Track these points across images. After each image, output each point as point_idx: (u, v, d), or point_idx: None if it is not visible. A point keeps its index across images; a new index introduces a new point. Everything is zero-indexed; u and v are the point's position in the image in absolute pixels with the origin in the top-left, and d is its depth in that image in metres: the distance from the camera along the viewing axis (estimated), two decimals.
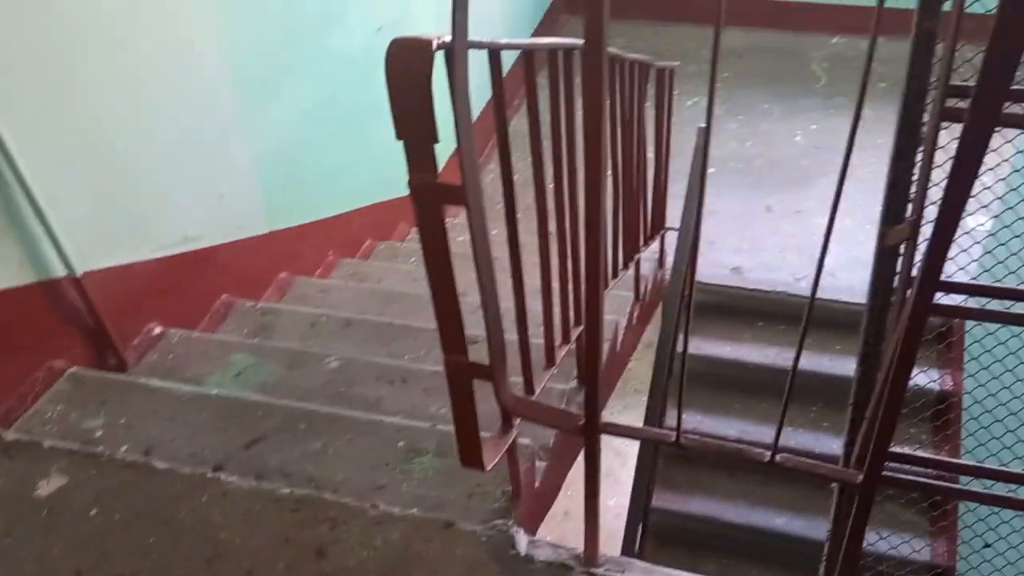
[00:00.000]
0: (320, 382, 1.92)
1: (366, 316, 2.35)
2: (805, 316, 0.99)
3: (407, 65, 0.92)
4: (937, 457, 1.47)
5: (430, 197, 1.02)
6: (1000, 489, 1.81)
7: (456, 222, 1.18)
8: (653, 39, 5.32)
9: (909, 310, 0.82)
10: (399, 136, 0.98)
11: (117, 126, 1.89)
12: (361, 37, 2.95)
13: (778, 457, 1.02)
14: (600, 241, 0.99)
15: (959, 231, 0.86)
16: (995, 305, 1.90)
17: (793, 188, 3.98)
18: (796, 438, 3.17)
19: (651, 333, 3.09)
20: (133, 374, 1.94)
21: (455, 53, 0.96)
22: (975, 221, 3.61)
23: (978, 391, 2.80)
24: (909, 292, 1.18)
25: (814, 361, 3.31)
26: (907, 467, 1.19)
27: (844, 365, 3.25)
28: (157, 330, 2.09)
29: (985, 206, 2.41)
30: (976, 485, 1.39)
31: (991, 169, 3.06)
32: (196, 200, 2.23)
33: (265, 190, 2.50)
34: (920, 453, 1.47)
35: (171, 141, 2.08)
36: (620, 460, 4.48)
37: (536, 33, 5.14)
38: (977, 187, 1.33)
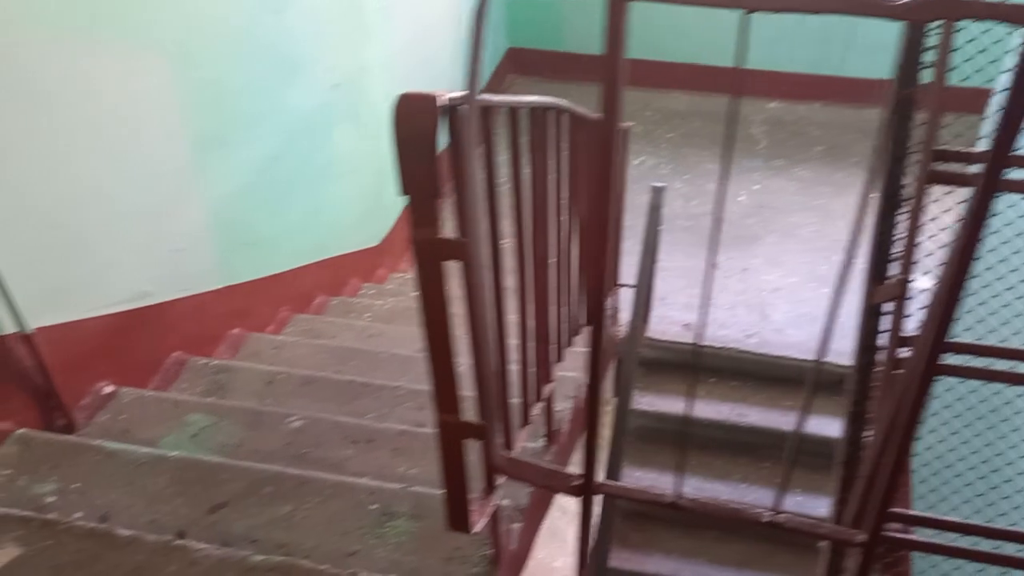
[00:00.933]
0: (282, 443, 1.86)
1: (325, 373, 2.29)
2: (811, 379, 0.99)
3: (413, 122, 0.91)
4: (946, 519, 1.47)
5: (433, 253, 1.00)
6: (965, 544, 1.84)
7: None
8: (596, 99, 5.43)
9: (919, 371, 0.83)
10: (404, 192, 0.97)
11: (66, 182, 1.83)
12: (318, 93, 2.94)
13: (780, 517, 1.01)
14: (602, 300, 0.99)
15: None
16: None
17: (739, 246, 4.07)
18: (752, 494, 3.19)
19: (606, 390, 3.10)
20: (84, 435, 1.84)
21: (462, 110, 0.96)
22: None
23: (929, 437, 2.85)
24: (902, 350, 1.21)
25: (765, 417, 3.35)
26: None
27: (792, 421, 3.30)
28: (108, 389, 2.00)
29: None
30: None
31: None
32: (150, 255, 2.16)
33: (219, 245, 2.45)
34: (921, 514, 1.47)
35: (124, 196, 2.02)
36: (566, 518, 4.43)
37: (487, 90, 5.19)
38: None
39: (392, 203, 3.78)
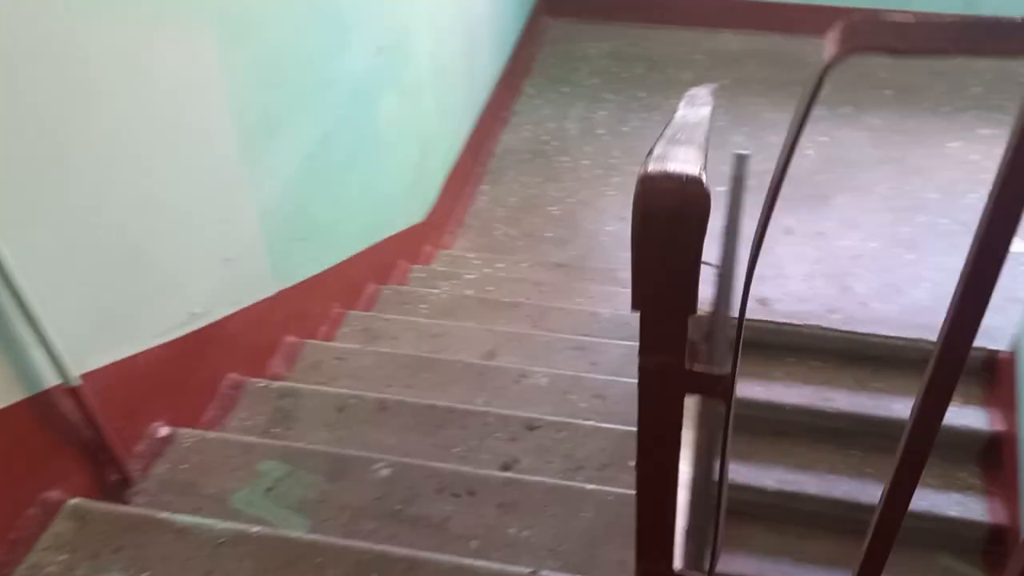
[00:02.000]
0: (371, 497, 1.62)
1: (401, 396, 2.04)
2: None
3: (673, 218, 0.64)
4: None
5: (672, 387, 0.73)
6: None
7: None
8: (644, 43, 5.06)
9: None
10: (637, 306, 0.69)
11: (114, 204, 1.55)
12: (365, 58, 2.62)
13: None
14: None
15: None
16: None
17: (811, 207, 3.77)
18: (840, 487, 2.97)
19: None
20: (144, 494, 1.61)
21: None
22: None
23: None
24: None
25: (852, 401, 3.10)
26: None
27: (884, 405, 3.06)
28: (163, 431, 1.76)
29: None
30: None
31: None
32: (201, 270, 1.89)
33: (271, 247, 2.17)
34: None
35: (172, 208, 1.74)
36: None
37: (524, 38, 4.83)
38: None
39: (434, 173, 3.49)
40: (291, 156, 2.23)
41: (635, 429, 1.83)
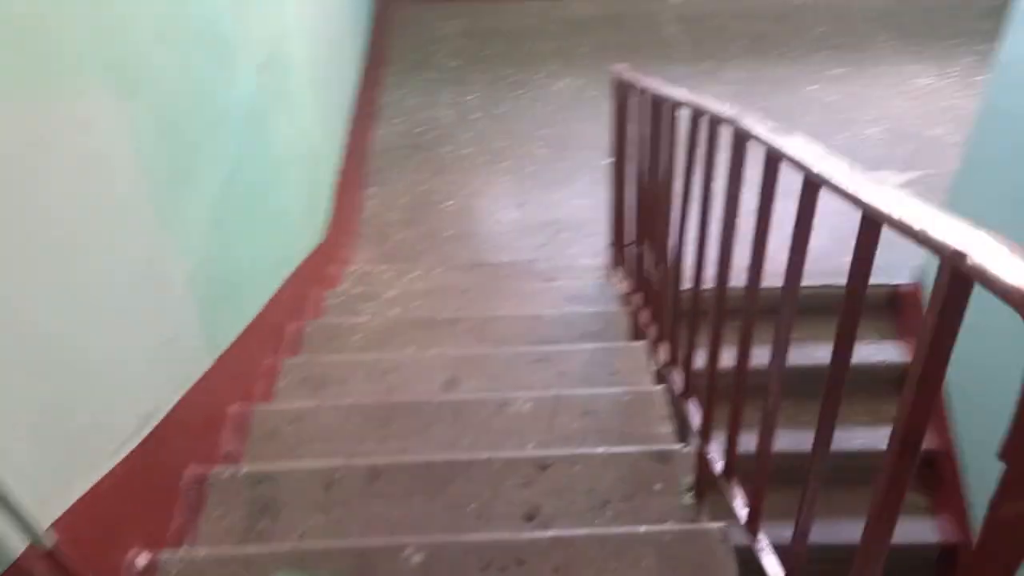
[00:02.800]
0: None
1: (387, 458, 1.86)
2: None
3: None
4: None
5: None
6: None
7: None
8: (496, 17, 4.92)
9: None
10: (1006, 457, 0.58)
11: (32, 306, 1.28)
12: (249, 81, 2.35)
13: None
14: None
15: None
16: None
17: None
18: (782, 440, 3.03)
19: None
20: None
21: None
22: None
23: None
24: None
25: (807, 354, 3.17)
26: None
27: (808, 353, 3.15)
28: (142, 559, 1.50)
29: None
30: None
31: None
32: (142, 361, 1.62)
33: (203, 313, 1.90)
34: None
35: (98, 297, 1.46)
36: None
37: (373, 24, 4.57)
38: None
39: (325, 186, 3.23)
40: (204, 205, 1.96)
41: (646, 447, 1.71)
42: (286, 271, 2.64)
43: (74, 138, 1.39)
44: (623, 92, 2.70)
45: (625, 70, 2.69)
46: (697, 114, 1.72)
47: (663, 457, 1.79)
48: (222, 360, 2.00)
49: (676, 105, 2.06)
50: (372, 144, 3.99)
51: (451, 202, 3.70)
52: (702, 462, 1.72)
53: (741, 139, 1.45)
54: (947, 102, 4.09)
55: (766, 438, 1.42)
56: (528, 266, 3.22)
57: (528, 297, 2.88)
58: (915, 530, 2.80)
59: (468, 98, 4.30)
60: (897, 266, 3.21)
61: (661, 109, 2.22)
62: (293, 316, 2.68)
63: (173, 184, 1.76)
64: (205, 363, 1.91)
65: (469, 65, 4.53)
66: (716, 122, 1.60)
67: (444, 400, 2.10)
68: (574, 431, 2.00)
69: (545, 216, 3.60)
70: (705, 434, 1.75)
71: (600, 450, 1.82)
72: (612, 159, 2.85)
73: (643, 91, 2.48)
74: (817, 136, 3.80)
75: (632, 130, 2.67)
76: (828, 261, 2.98)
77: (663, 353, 2.16)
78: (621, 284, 2.83)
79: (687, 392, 1.95)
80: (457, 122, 4.14)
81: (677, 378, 2.02)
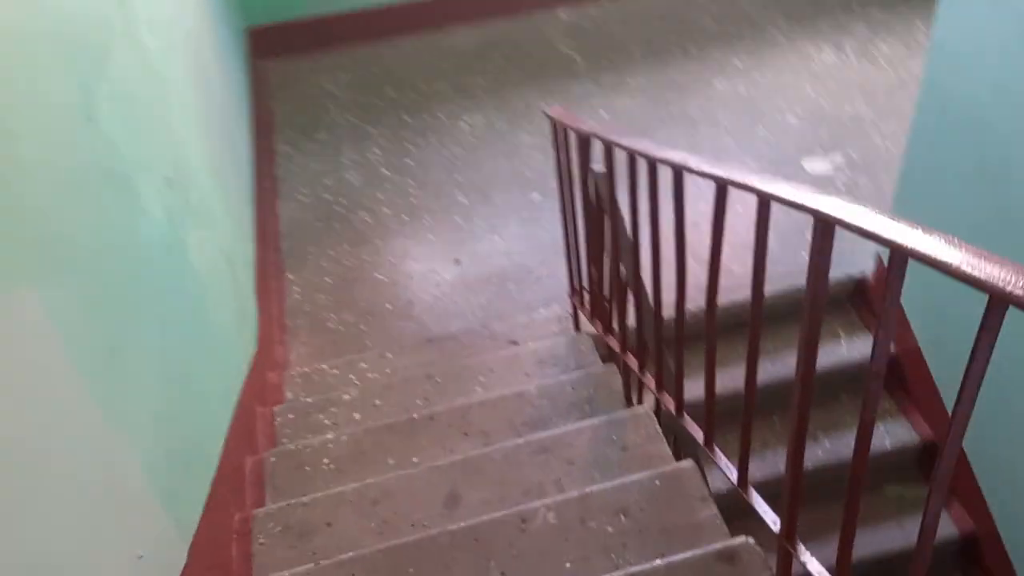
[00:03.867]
0: None
1: None
2: None
3: None
4: None
5: None
6: None
7: None
8: (379, 63, 4.65)
9: None
10: None
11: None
12: (159, 205, 2.03)
13: None
14: None
15: None
16: None
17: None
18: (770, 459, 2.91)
19: None
20: None
21: None
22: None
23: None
24: None
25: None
26: None
27: (783, 360, 3.04)
28: None
29: None
30: None
31: None
32: None
33: (168, 503, 1.59)
34: None
35: (67, 539, 1.16)
36: None
37: (250, 89, 4.24)
38: None
39: (246, 286, 2.91)
40: (145, 374, 1.65)
41: (707, 548, 1.56)
42: (234, 399, 2.32)
43: (8, 347, 1.08)
44: (561, 135, 2.50)
45: (559, 112, 2.49)
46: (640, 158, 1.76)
47: (729, 557, 1.59)
48: (194, 545, 1.69)
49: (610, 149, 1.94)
50: (281, 224, 3.67)
51: (380, 272, 3.42)
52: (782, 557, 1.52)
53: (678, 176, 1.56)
54: (851, 77, 4.08)
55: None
56: (485, 332, 2.98)
57: (499, 371, 2.64)
58: (894, 434, 2.98)
59: (371, 154, 4.02)
60: (858, 254, 3.14)
61: (590, 151, 2.13)
62: (247, 448, 2.36)
63: (111, 368, 1.46)
64: (181, 558, 1.60)
65: (364, 118, 4.25)
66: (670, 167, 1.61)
67: (456, 528, 1.84)
68: (612, 536, 1.78)
69: (485, 269, 3.37)
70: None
71: (659, 562, 1.60)
72: (562, 207, 2.65)
73: (577, 134, 2.30)
74: (740, 133, 3.75)
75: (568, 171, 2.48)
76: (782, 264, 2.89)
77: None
78: (601, 334, 2.63)
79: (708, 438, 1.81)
80: (366, 183, 3.86)
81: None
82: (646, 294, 2.18)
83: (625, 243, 2.24)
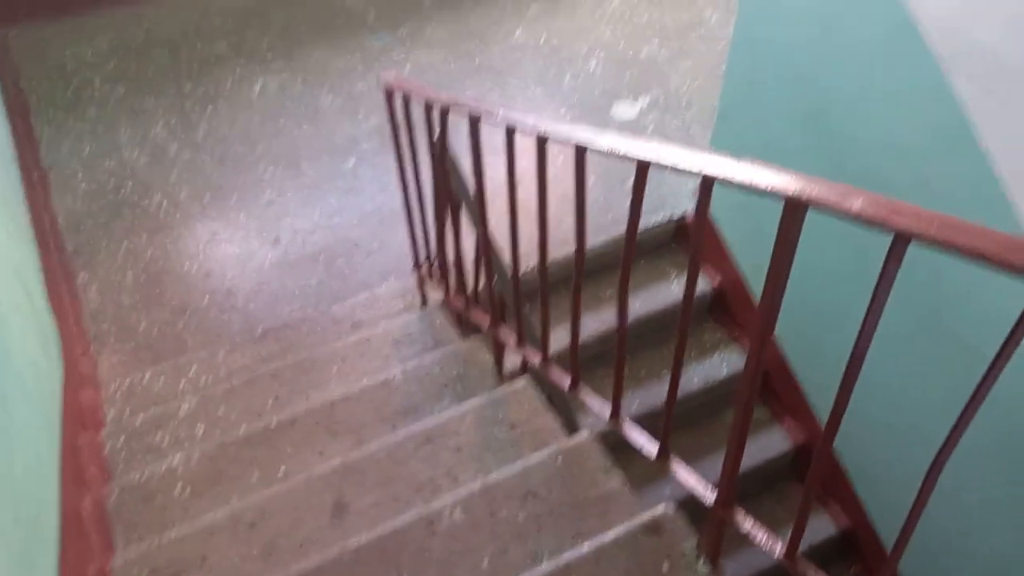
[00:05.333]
0: None
1: None
2: None
3: None
4: None
5: None
6: None
7: None
8: (143, 25, 4.14)
9: None
10: None
11: None
12: None
13: None
14: None
15: None
16: None
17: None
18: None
19: None
20: None
21: None
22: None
23: None
24: None
25: (600, 319, 3.08)
26: None
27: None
28: None
29: None
30: None
31: None
32: None
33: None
34: None
35: None
36: None
37: None
38: None
39: (39, 298, 2.50)
40: None
41: (631, 524, 1.56)
42: (56, 434, 2.00)
43: None
44: (397, 101, 2.33)
45: (394, 77, 2.31)
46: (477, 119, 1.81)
47: (655, 529, 1.58)
48: None
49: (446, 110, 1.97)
50: (61, 219, 3.20)
51: (190, 261, 3.09)
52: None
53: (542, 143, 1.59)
54: (644, 18, 4.16)
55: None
56: (324, 316, 2.77)
57: (352, 359, 2.47)
58: (731, 362, 3.15)
59: (155, 130, 3.59)
60: (681, 197, 3.23)
61: (432, 115, 2.06)
62: (79, 487, 2.05)
63: None
64: None
65: (138, 89, 3.79)
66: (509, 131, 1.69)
67: (359, 544, 1.69)
68: (523, 522, 1.71)
69: (309, 247, 3.13)
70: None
71: (586, 547, 1.56)
72: (402, 178, 2.48)
73: (411, 98, 2.18)
74: (546, 81, 3.72)
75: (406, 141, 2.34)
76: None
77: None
78: (461, 308, 2.52)
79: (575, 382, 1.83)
80: (154, 163, 3.45)
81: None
82: (496, 255, 2.16)
83: (474, 207, 2.15)
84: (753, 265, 3.01)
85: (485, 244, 2.15)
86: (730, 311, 3.24)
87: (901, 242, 0.83)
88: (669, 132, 3.54)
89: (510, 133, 1.71)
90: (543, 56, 3.96)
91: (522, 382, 2.13)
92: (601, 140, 1.39)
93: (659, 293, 3.17)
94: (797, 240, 1.01)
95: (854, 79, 2.12)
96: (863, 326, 0.95)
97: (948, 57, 1.81)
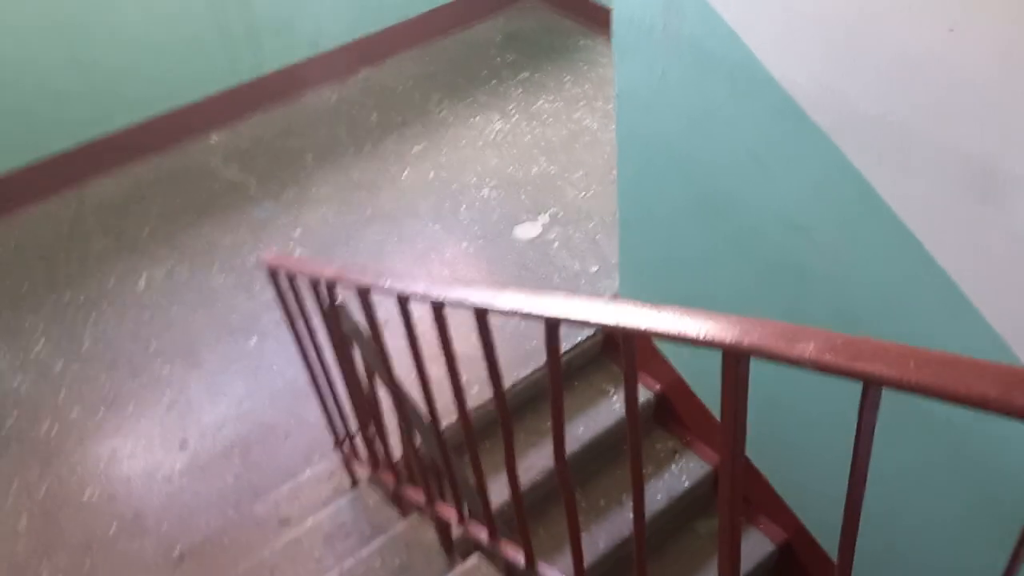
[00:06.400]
0: None
1: None
2: None
3: None
4: None
5: None
6: None
7: None
8: (9, 234, 3.91)
9: None
10: None
11: None
12: None
13: None
14: None
15: None
16: None
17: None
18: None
19: None
20: None
21: None
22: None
23: None
24: None
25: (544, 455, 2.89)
26: None
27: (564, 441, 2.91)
28: None
29: None
30: None
31: None
32: None
33: None
34: None
35: None
36: None
37: None
38: None
39: None
40: None
41: None
42: None
43: None
44: (284, 280, 2.17)
45: (274, 256, 2.15)
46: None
47: None
48: None
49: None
50: None
51: (91, 488, 2.79)
52: None
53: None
54: (527, 138, 4.15)
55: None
56: (246, 519, 2.50)
57: (283, 567, 2.20)
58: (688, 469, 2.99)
59: (35, 349, 3.33)
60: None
61: (320, 288, 1.92)
62: None
63: None
64: None
65: (13, 306, 3.53)
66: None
67: None
68: None
69: (220, 442, 2.88)
70: None
71: None
72: (302, 354, 2.29)
73: (295, 275, 2.02)
74: (442, 216, 3.62)
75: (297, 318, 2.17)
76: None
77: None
78: (381, 477, 2.29)
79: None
80: (39, 384, 3.17)
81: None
82: (418, 418, 2.00)
83: (383, 373, 1.98)
84: (693, 369, 2.88)
85: (402, 412, 1.97)
86: (676, 415, 3.10)
87: (873, 390, 0.68)
88: (575, 245, 3.46)
89: (403, 302, 1.55)
90: (434, 192, 3.88)
91: (474, 559, 1.90)
92: (501, 301, 1.24)
93: (600, 414, 3.01)
94: (746, 390, 0.86)
95: (747, 163, 2.05)
96: (852, 477, 0.79)
97: (834, 128, 1.76)
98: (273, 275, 2.17)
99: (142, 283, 3.58)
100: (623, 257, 2.86)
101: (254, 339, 3.26)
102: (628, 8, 2.23)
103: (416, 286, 1.54)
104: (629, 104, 2.47)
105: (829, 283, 1.97)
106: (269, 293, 3.43)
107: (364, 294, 1.70)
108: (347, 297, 1.92)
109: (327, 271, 1.90)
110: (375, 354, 2.09)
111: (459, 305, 1.38)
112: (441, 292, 1.41)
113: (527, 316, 1.20)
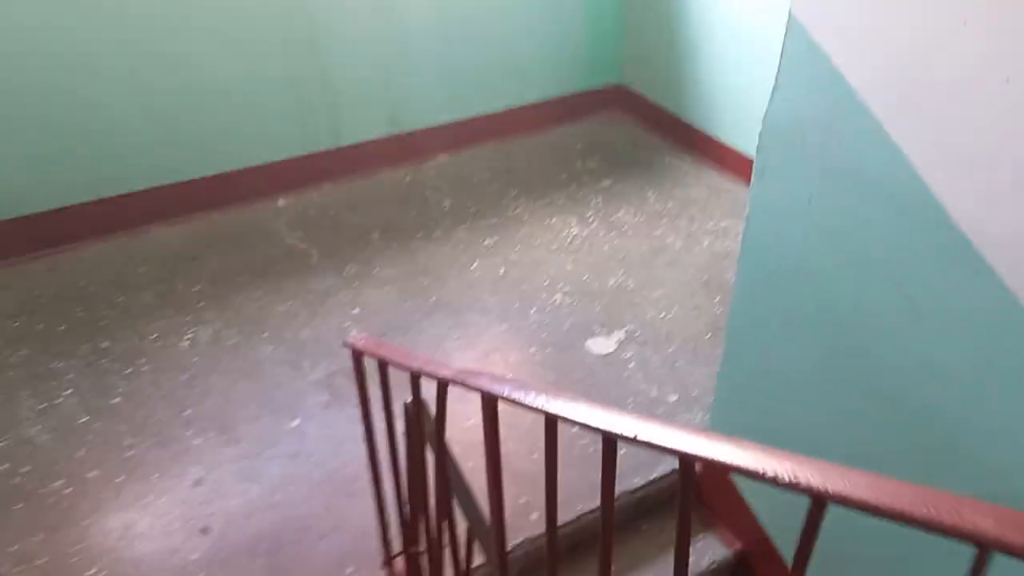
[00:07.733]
0: None
1: None
2: None
3: None
4: None
5: None
6: None
7: None
8: (56, 278, 3.73)
9: None
10: None
11: None
12: None
13: None
14: None
15: None
16: None
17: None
18: None
19: None
20: None
21: None
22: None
23: None
24: None
25: None
26: None
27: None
28: None
29: None
30: None
31: None
32: None
33: None
34: None
35: None
36: None
37: None
38: None
39: None
40: None
41: None
42: None
43: None
44: (363, 364, 1.92)
45: (362, 339, 1.91)
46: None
47: None
48: None
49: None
50: None
51: (97, 567, 2.48)
52: None
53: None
54: (604, 247, 3.95)
55: None
56: None
57: None
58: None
59: (61, 397, 3.07)
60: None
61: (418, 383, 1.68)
62: None
63: None
64: None
65: (45, 350, 3.30)
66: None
67: None
68: None
69: (247, 534, 2.57)
70: None
71: None
72: (369, 452, 2.02)
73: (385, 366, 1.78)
74: (510, 316, 3.35)
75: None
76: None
77: None
78: None
79: None
80: (59, 439, 2.90)
81: None
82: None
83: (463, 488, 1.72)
84: (781, 526, 2.56)
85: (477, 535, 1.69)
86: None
87: None
88: (652, 369, 3.20)
89: (490, 404, 1.29)
90: (504, 290, 3.66)
91: None
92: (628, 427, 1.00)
93: (670, 566, 2.67)
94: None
95: (901, 308, 1.80)
96: None
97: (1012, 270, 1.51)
98: (357, 360, 1.92)
99: (185, 343, 3.34)
100: (723, 371, 2.59)
101: (297, 421, 2.99)
102: (779, 126, 2.04)
103: (527, 395, 1.28)
104: (762, 217, 2.25)
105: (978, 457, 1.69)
106: (319, 372, 3.20)
107: (443, 388, 1.44)
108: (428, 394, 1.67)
109: (413, 364, 1.68)
110: (453, 465, 1.83)
111: (579, 424, 1.12)
112: (555, 405, 1.15)
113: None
